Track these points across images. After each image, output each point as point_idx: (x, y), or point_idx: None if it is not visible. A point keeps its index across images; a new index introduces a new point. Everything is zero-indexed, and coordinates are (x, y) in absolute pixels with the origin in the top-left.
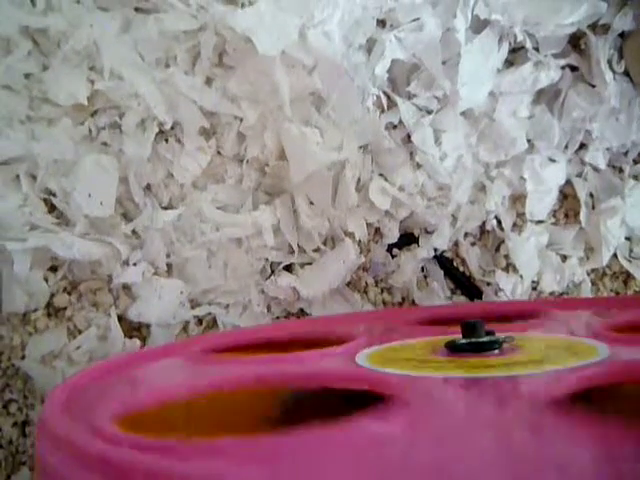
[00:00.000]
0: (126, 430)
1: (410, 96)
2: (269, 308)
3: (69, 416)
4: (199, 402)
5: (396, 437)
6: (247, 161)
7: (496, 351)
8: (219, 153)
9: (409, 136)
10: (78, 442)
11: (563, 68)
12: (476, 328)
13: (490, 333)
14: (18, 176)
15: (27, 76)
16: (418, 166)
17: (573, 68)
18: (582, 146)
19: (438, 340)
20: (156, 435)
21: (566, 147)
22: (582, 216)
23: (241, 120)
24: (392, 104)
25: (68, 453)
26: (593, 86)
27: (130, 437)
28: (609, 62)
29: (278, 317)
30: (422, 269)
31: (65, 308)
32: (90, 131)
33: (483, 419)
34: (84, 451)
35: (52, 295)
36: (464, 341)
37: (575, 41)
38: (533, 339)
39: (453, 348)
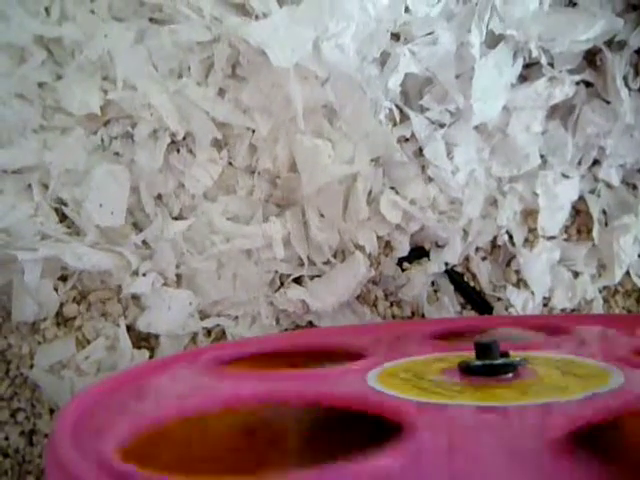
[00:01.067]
0: (134, 457)
1: (423, 110)
2: (278, 320)
3: (76, 445)
4: (211, 420)
5: (405, 477)
6: (258, 173)
7: (510, 374)
8: (230, 164)
9: (421, 150)
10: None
11: (578, 84)
12: (490, 349)
13: (505, 355)
14: (30, 185)
15: (41, 85)
16: (430, 180)
17: (588, 84)
18: (595, 162)
19: (451, 358)
20: (165, 459)
21: (579, 163)
22: (595, 233)
23: (253, 132)
24: (404, 117)
25: None
26: (608, 102)
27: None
28: (624, 78)
29: (287, 329)
30: (432, 283)
31: (74, 318)
32: (102, 141)
33: (492, 458)
34: None
35: (61, 305)
36: (478, 363)
37: (590, 57)
38: (547, 362)
39: (466, 370)
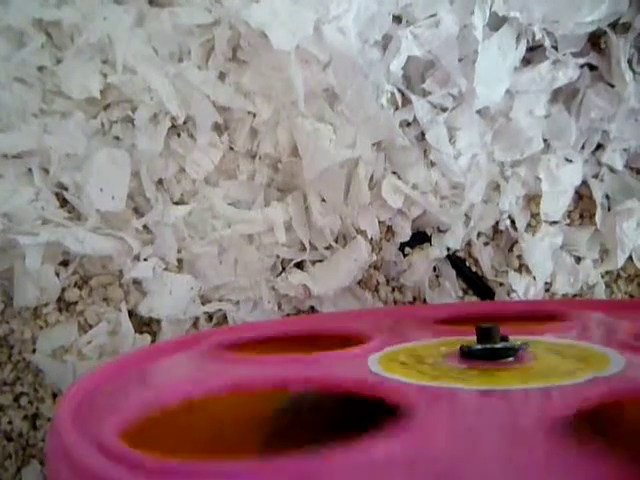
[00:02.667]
0: (137, 440)
1: (425, 93)
2: (280, 305)
3: (77, 429)
4: (213, 404)
5: (406, 461)
6: (259, 157)
7: (510, 358)
8: (231, 149)
9: (423, 134)
10: (85, 462)
11: (582, 67)
12: (491, 333)
13: (505, 339)
14: (30, 170)
15: (40, 69)
16: (432, 164)
17: (592, 67)
18: (599, 146)
19: (452, 342)
20: (167, 443)
21: (583, 147)
22: (597, 217)
23: (254, 116)
24: (406, 101)
25: (75, 472)
26: (612, 86)
27: (133, 455)
28: (629, 62)
29: (289, 314)
30: (434, 268)
31: (76, 303)
32: (102, 125)
33: (491, 442)
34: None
35: (63, 290)
36: (479, 347)
37: (595, 40)
38: (548, 346)
39: (467, 354)
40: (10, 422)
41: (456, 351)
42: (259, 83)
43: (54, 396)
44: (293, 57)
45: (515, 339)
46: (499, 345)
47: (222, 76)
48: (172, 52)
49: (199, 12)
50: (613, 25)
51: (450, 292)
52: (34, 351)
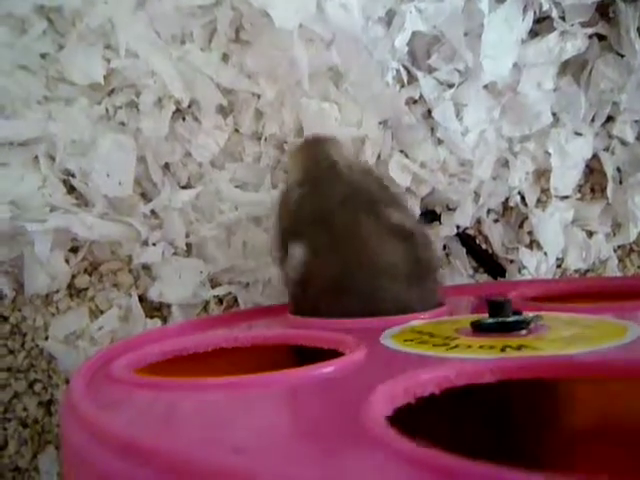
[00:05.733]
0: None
1: (431, 70)
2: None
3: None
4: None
5: None
6: (265, 139)
7: (523, 331)
8: (237, 131)
9: (430, 111)
10: (99, 422)
11: (590, 37)
12: (503, 307)
13: (517, 313)
14: (37, 157)
15: (43, 56)
16: (439, 142)
17: (601, 37)
18: (609, 119)
19: (464, 320)
20: None
21: (593, 120)
22: (609, 191)
23: (259, 97)
24: (412, 78)
25: (90, 432)
26: (622, 56)
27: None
28: (639, 30)
29: None
30: (444, 247)
31: (86, 289)
32: (107, 110)
33: None
34: (105, 430)
35: (73, 276)
36: (490, 320)
37: (603, 9)
38: (563, 319)
39: (479, 327)
40: (25, 409)
41: (468, 327)
42: (263, 64)
43: (67, 382)
44: (296, 36)
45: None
46: (511, 318)
47: (225, 57)
48: (174, 34)
49: None
50: None
51: (460, 270)
52: (47, 338)
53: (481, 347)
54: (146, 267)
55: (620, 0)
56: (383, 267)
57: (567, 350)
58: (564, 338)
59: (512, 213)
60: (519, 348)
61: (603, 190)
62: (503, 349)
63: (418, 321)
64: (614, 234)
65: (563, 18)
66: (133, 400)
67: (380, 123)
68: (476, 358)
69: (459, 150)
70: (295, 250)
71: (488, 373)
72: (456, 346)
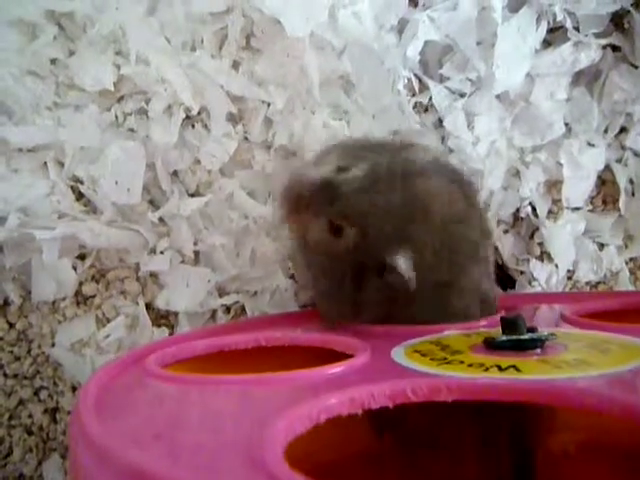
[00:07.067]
0: None
1: (442, 79)
2: (297, 295)
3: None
4: None
5: None
6: (275, 148)
7: (538, 350)
8: (246, 139)
9: (441, 120)
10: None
11: (604, 48)
12: (517, 324)
13: (532, 330)
14: (45, 163)
15: (53, 62)
16: (450, 151)
17: (615, 48)
18: (622, 130)
19: (476, 334)
20: None
21: (605, 131)
22: (621, 203)
23: (269, 105)
24: (424, 87)
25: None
26: (636, 67)
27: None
28: None
29: (305, 305)
30: None
31: (94, 296)
32: (117, 117)
33: None
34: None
35: (80, 283)
36: (504, 338)
37: (618, 20)
38: (587, 337)
39: (491, 345)
40: (30, 416)
41: (481, 344)
42: (273, 71)
43: (73, 389)
44: (307, 44)
45: (543, 330)
46: (525, 336)
47: (236, 65)
48: (185, 41)
49: (211, 0)
50: (636, 4)
51: None
52: (53, 345)
53: (470, 365)
54: (153, 275)
55: (635, 11)
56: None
57: (556, 374)
58: (570, 360)
59: (523, 224)
60: (505, 369)
61: (615, 202)
62: (487, 369)
63: (450, 332)
64: (626, 246)
65: (577, 28)
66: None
67: (390, 132)
68: (451, 376)
69: (470, 159)
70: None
71: (445, 391)
72: (449, 362)
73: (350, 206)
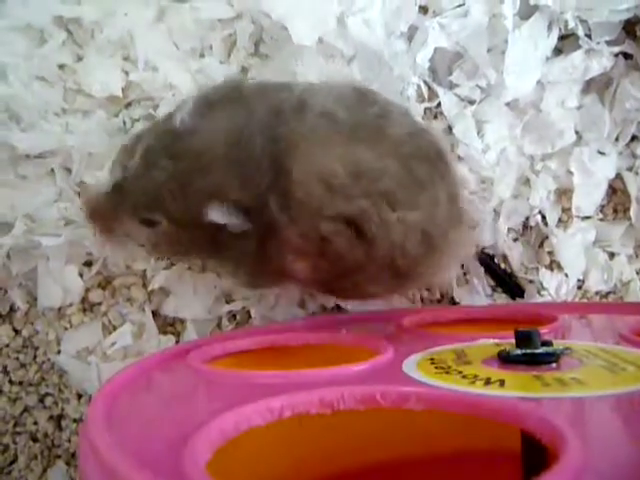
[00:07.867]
0: None
1: (452, 86)
2: (303, 303)
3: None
4: None
5: None
6: None
7: (553, 364)
8: None
9: (450, 127)
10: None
11: (616, 56)
12: (531, 338)
13: (547, 344)
14: (52, 170)
15: (61, 67)
16: (459, 159)
17: (627, 56)
18: (634, 138)
19: (490, 347)
20: None
21: (617, 139)
22: (632, 212)
23: None
24: (433, 94)
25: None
26: None
27: None
28: None
29: (314, 312)
30: (462, 266)
31: (100, 303)
32: (124, 123)
33: None
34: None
35: (87, 290)
36: (518, 352)
37: (630, 27)
38: (593, 350)
39: (506, 359)
40: (35, 423)
41: (495, 357)
42: (281, 78)
43: (79, 397)
44: (315, 51)
45: (558, 344)
46: (539, 350)
47: (244, 71)
48: (194, 47)
49: (220, 6)
50: None
51: (478, 290)
52: (59, 352)
53: (464, 377)
54: (160, 282)
55: None
56: None
57: (539, 393)
58: (566, 379)
59: (532, 232)
60: (493, 382)
61: (626, 211)
62: (473, 382)
63: (484, 340)
64: (636, 256)
65: (589, 36)
66: None
67: None
68: (438, 386)
69: (479, 167)
70: None
71: (414, 399)
72: (448, 373)
73: (137, 197)
